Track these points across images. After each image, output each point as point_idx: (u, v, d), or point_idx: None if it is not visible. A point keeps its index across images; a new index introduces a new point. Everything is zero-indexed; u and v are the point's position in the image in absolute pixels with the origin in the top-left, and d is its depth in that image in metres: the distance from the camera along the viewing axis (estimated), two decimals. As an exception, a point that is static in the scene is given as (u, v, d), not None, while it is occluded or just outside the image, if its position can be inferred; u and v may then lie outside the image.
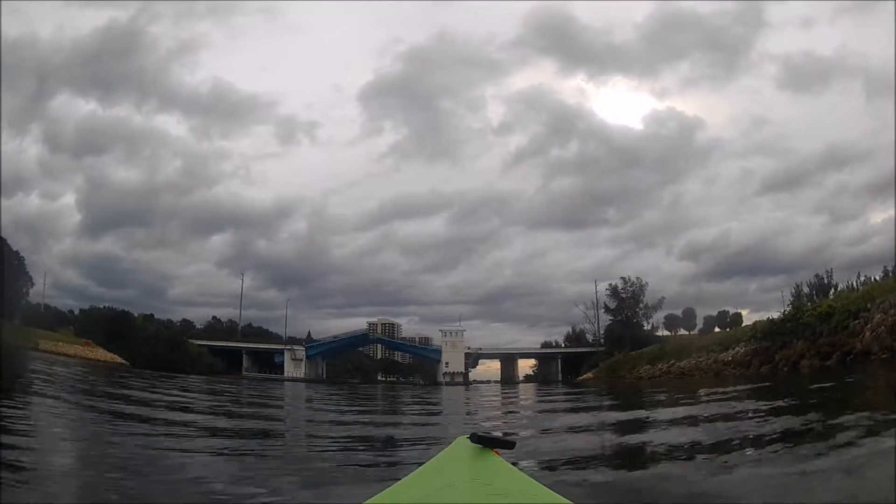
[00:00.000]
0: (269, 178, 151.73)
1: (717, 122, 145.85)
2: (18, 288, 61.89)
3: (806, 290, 47.92)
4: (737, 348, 42.33)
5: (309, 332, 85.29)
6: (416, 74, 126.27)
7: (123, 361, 56.57)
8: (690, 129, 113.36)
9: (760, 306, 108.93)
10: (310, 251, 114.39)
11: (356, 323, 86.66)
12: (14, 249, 62.37)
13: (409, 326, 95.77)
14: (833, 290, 43.93)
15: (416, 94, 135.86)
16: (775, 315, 42.30)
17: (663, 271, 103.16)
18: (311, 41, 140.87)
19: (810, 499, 5.21)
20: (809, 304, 40.34)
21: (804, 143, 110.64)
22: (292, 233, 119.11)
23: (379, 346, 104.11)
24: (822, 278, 46.96)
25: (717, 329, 54.53)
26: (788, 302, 49.20)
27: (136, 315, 69.85)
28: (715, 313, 59.37)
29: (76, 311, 71.49)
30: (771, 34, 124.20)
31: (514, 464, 2.15)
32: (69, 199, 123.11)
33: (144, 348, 60.14)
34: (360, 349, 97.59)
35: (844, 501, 5.17)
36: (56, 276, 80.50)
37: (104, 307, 69.15)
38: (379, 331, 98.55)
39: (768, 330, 39.02)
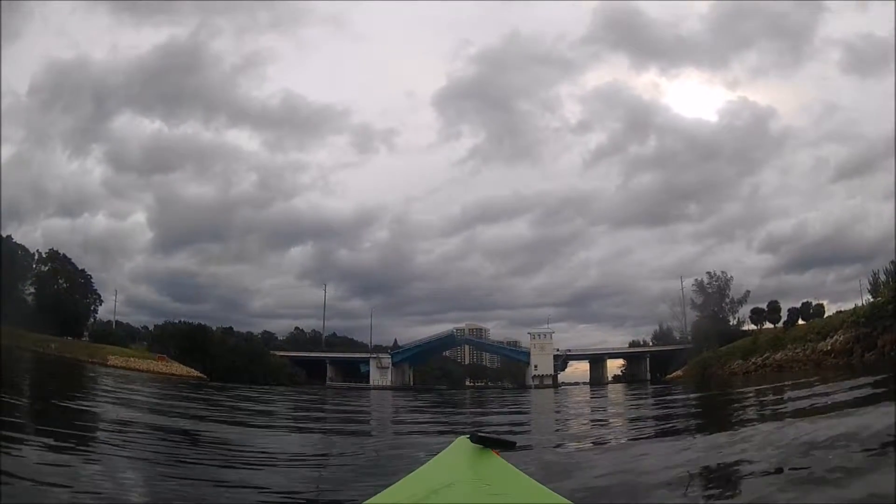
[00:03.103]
0: (349, 188, 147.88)
1: (788, 110, 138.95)
2: (86, 306, 62.94)
3: (882, 277, 45.48)
4: (835, 336, 38.27)
5: (395, 340, 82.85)
6: (489, 76, 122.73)
7: (200, 375, 55.73)
8: (764, 119, 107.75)
9: (838, 297, 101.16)
10: (393, 259, 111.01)
11: (443, 329, 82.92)
12: (80, 268, 63.21)
13: (497, 330, 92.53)
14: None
15: (491, 96, 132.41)
16: (851, 306, 40.28)
17: (744, 265, 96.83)
18: (380, 48, 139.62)
19: None
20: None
21: (872, 128, 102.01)
22: (375, 241, 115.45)
23: (467, 351, 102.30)
24: None
25: (800, 321, 50.17)
26: (867, 290, 46.88)
27: (213, 328, 68.69)
28: (798, 305, 54.75)
29: (151, 327, 71.31)
30: (830, 19, 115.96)
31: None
32: (139, 217, 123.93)
33: (222, 361, 58.91)
34: (447, 355, 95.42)
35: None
36: (129, 293, 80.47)
37: (179, 322, 68.18)
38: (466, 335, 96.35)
39: (870, 314, 35.03)
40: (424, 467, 2.12)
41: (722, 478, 6.52)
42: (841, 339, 37.61)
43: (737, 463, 6.86)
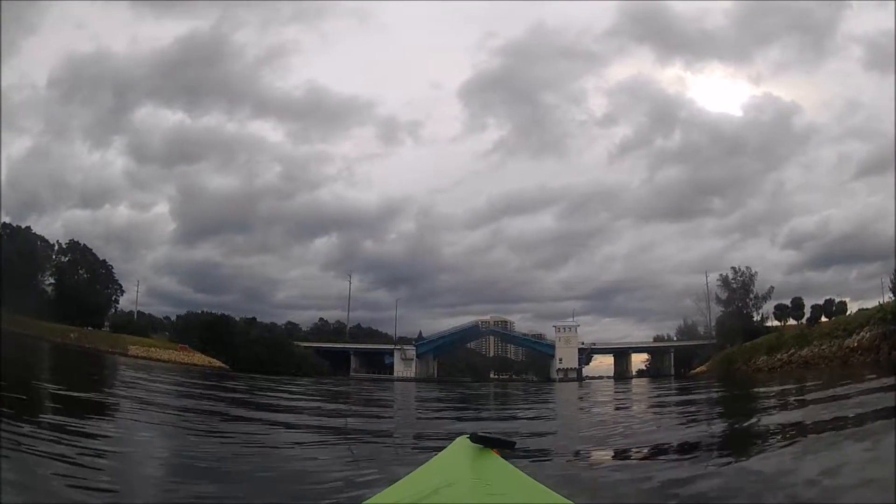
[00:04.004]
0: (374, 179, 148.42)
1: (811, 106, 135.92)
2: (107, 296, 62.84)
3: None
4: (861, 333, 37.96)
5: (420, 331, 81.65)
6: (515, 69, 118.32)
7: (222, 365, 55.45)
8: (788, 115, 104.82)
9: (860, 294, 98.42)
10: (419, 250, 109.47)
11: (468, 322, 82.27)
12: (101, 259, 63.11)
13: (522, 323, 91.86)
14: None
15: (516, 88, 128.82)
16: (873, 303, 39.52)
17: (767, 261, 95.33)
18: (405, 40, 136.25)
19: None
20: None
21: (893, 125, 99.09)
22: (400, 233, 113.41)
23: (492, 343, 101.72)
24: None
25: (823, 319, 49.84)
26: (888, 288, 46.73)
27: (237, 319, 68.11)
28: (820, 302, 54.38)
29: (173, 318, 71.11)
30: (852, 15, 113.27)
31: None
32: (162, 208, 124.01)
33: (245, 351, 58.50)
34: (472, 347, 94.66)
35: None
36: (151, 283, 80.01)
37: (202, 312, 67.68)
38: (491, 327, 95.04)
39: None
40: (424, 467, 2.12)
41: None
42: (867, 335, 37.19)
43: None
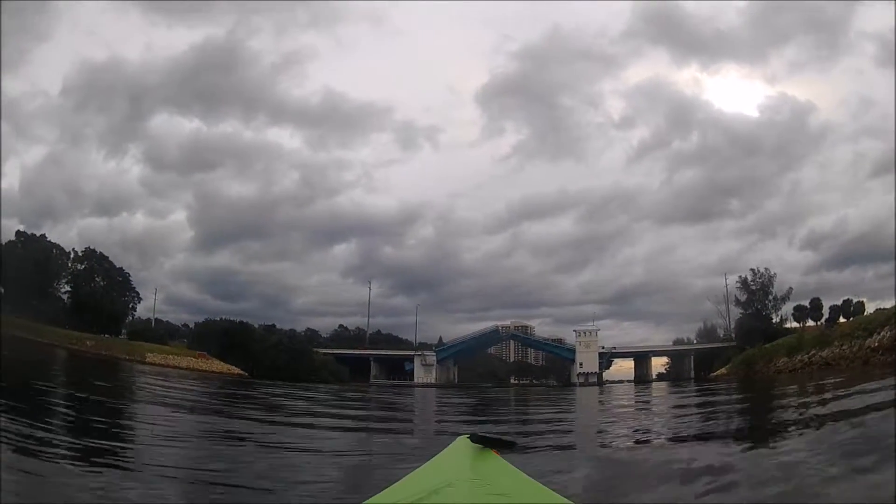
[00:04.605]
0: (393, 185, 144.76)
1: (827, 105, 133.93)
2: (124, 304, 62.57)
3: None
4: (882, 333, 37.66)
5: (440, 337, 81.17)
6: (532, 72, 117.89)
7: (241, 372, 55.27)
8: (803, 115, 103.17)
9: (876, 294, 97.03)
10: (438, 256, 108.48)
11: (488, 327, 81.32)
12: (118, 266, 62.98)
13: (542, 328, 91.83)
14: None
15: (533, 92, 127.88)
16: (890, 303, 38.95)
17: (785, 262, 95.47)
18: (420, 45, 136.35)
19: None
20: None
21: None
22: (420, 238, 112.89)
23: (512, 348, 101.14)
24: None
25: (841, 319, 49.33)
26: None
27: (255, 326, 67.58)
28: (838, 303, 53.68)
29: (191, 325, 70.85)
30: (863, 11, 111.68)
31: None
32: (179, 215, 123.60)
33: (264, 358, 58.24)
34: (492, 352, 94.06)
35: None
36: (169, 291, 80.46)
37: (221, 319, 67.16)
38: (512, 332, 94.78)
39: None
40: (425, 467, 2.10)
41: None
42: (888, 335, 36.92)
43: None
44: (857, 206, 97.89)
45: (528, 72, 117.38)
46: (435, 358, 73.85)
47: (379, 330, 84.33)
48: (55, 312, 49.89)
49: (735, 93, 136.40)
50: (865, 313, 45.96)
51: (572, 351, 75.99)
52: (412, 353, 74.54)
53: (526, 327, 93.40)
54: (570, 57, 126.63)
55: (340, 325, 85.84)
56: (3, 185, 70.24)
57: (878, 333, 37.76)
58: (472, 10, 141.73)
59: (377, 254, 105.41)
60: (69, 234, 77.43)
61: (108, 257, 63.07)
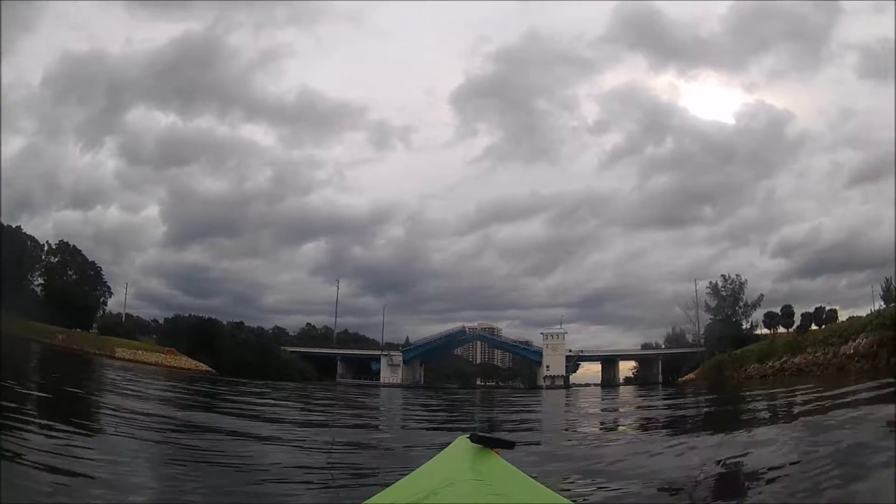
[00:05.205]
0: (365, 185, 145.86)
1: (805, 114, 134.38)
2: (95, 298, 61.83)
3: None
4: (858, 340, 36.53)
5: (407, 337, 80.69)
6: (507, 75, 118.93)
7: (209, 369, 54.94)
8: (780, 123, 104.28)
9: (850, 303, 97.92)
10: (407, 256, 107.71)
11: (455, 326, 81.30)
12: (90, 260, 62.29)
13: (509, 330, 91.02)
14: None
15: (508, 94, 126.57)
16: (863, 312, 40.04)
17: (757, 269, 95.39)
18: (399, 45, 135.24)
19: None
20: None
21: (888, 133, 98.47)
22: (389, 238, 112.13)
23: (478, 350, 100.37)
24: None
25: (813, 327, 48.89)
26: (879, 296, 46.98)
27: (224, 323, 67.30)
28: (810, 310, 53.61)
29: (161, 321, 70.20)
30: (847, 22, 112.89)
31: None
32: (152, 210, 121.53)
33: (231, 355, 57.79)
34: (459, 353, 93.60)
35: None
36: (140, 286, 78.91)
37: (190, 315, 67.01)
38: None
39: (896, 317, 33.44)
40: (424, 467, 2.09)
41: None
42: (864, 342, 35.91)
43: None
44: (833, 215, 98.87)
45: (504, 74, 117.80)
46: (401, 358, 73.24)
47: (346, 329, 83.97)
48: (30, 306, 48.58)
49: (712, 100, 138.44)
50: (838, 321, 45.14)
51: (539, 353, 75.36)
52: (379, 352, 74.04)
53: (493, 329, 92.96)
54: (546, 60, 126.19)
55: (308, 324, 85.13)
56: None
57: (854, 340, 36.77)
58: (452, 12, 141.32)
59: (347, 253, 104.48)
60: (45, 227, 75.31)
61: (80, 251, 62.14)
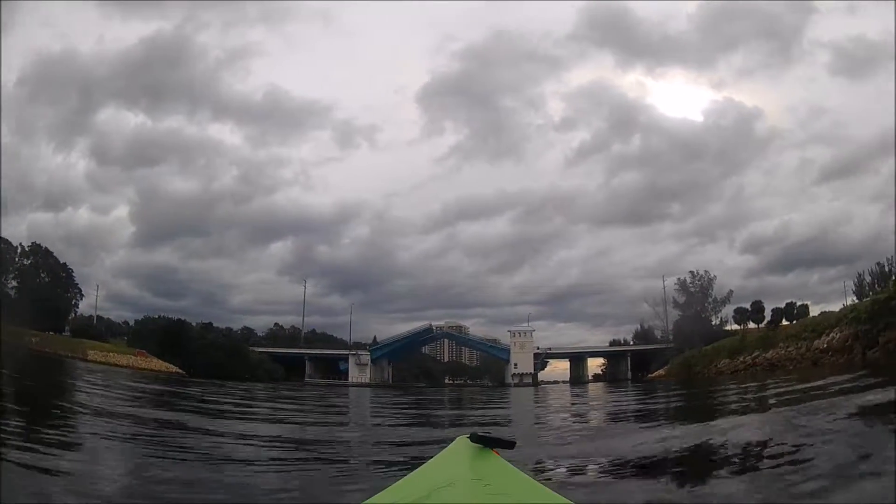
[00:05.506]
0: (330, 184, 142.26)
1: (775, 111, 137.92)
2: (67, 300, 61.27)
3: (868, 279, 45.52)
4: (832, 334, 35.65)
5: (374, 336, 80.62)
6: (473, 73, 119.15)
7: (178, 370, 54.55)
8: (749, 120, 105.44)
9: (821, 298, 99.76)
10: (373, 255, 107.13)
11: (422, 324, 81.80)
12: (62, 262, 61.83)
13: (476, 328, 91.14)
14: (894, 277, 40.63)
15: (475, 92, 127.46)
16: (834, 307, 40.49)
17: (726, 265, 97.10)
18: (366, 44, 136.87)
19: None
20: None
21: (860, 130, 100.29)
22: (355, 237, 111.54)
23: (446, 349, 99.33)
24: (883, 266, 44.15)
25: (784, 322, 48.25)
26: (852, 292, 47.56)
27: (193, 324, 67.02)
28: (782, 306, 53.28)
29: (131, 322, 70.19)
30: (820, 21, 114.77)
31: None
32: (121, 211, 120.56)
33: (201, 357, 57.38)
34: (427, 352, 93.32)
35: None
36: (110, 288, 79.21)
37: (159, 317, 66.79)
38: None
39: (871, 311, 32.49)
40: (424, 467, 2.05)
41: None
42: (838, 336, 35.13)
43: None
44: (802, 211, 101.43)
45: (470, 72, 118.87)
46: (369, 357, 72.90)
47: (314, 329, 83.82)
48: (7, 309, 47.74)
49: (680, 97, 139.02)
50: (810, 316, 44.59)
51: (507, 351, 75.10)
52: (347, 352, 73.70)
53: (460, 327, 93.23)
54: (512, 58, 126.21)
55: (276, 324, 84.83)
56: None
57: (828, 335, 35.93)
58: (420, 11, 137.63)
59: (313, 252, 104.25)
60: (20, 228, 75.39)
61: (52, 253, 61.29)
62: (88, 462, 6.92)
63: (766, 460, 6.70)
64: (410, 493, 1.68)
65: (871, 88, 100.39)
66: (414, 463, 2.23)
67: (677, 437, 9.33)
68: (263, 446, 9.76)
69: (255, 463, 7.72)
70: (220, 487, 6.10)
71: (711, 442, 8.54)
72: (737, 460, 7.08)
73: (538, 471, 6.73)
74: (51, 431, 9.04)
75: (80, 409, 13.63)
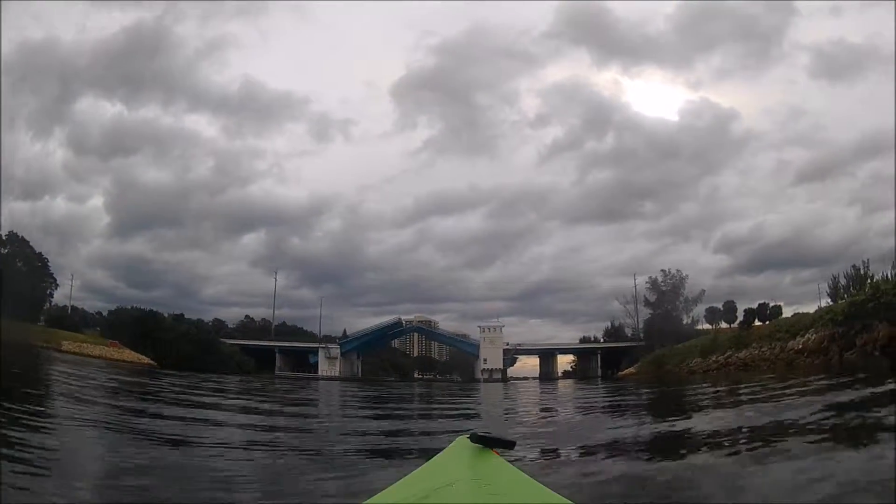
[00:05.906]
0: (304, 176, 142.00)
1: (752, 113, 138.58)
2: (42, 290, 60.31)
3: (843, 281, 45.06)
4: (807, 335, 35.23)
5: (345, 330, 79.82)
6: (449, 68, 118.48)
7: (150, 362, 53.97)
8: (725, 121, 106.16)
9: (794, 300, 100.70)
10: (345, 249, 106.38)
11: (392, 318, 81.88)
12: (38, 252, 60.99)
13: (447, 323, 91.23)
14: (870, 280, 40.23)
15: (449, 87, 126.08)
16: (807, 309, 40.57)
17: (699, 265, 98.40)
18: (343, 38, 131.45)
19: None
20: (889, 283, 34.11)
21: (838, 133, 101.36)
22: (327, 230, 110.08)
23: (416, 343, 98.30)
24: (859, 269, 43.77)
25: (756, 322, 47.92)
26: (826, 293, 47.20)
27: (165, 315, 66.48)
28: (753, 306, 53.02)
29: (105, 313, 69.32)
30: (801, 23, 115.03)
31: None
32: (97, 201, 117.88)
33: (173, 348, 56.95)
34: (396, 346, 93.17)
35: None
36: (85, 278, 77.83)
37: (132, 308, 66.27)
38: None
39: (847, 312, 32.07)
40: (424, 467, 2.04)
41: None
42: (814, 337, 34.77)
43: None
44: (778, 212, 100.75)
45: (445, 67, 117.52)
46: (339, 350, 72.63)
47: (284, 321, 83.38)
48: None
49: (656, 96, 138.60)
50: (783, 317, 44.28)
51: (476, 346, 74.88)
52: (317, 345, 73.62)
53: (430, 321, 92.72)
54: (488, 54, 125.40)
55: (247, 316, 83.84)
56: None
57: (803, 336, 35.54)
58: (397, 6, 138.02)
59: (285, 244, 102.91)
60: None
61: (28, 242, 60.45)
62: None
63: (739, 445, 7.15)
64: (410, 494, 1.67)
65: (852, 91, 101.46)
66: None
67: (647, 426, 9.98)
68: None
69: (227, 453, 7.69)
70: (194, 473, 6.10)
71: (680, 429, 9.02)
72: (709, 442, 7.40)
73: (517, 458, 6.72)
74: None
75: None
